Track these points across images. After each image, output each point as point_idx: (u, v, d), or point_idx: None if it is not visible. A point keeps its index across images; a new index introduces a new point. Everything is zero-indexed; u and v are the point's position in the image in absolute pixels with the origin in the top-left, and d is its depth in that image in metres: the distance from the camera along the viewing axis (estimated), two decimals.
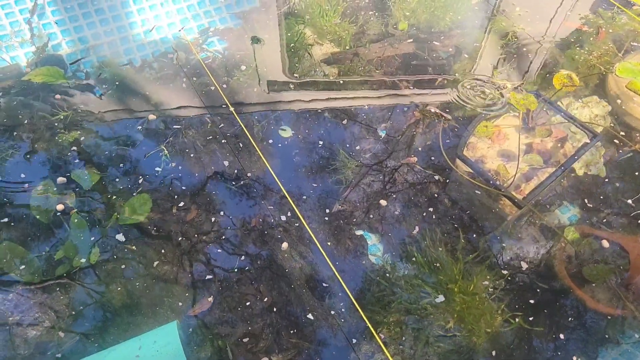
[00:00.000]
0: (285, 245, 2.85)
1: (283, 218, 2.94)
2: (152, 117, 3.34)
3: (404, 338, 2.52)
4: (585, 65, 3.39)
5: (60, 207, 2.94)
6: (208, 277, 2.79)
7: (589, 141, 2.95)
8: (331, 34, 3.71)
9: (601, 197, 2.93)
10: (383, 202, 2.99)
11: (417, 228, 2.88)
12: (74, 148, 3.28)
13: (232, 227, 3.01)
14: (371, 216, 2.99)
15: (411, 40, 3.65)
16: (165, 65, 3.65)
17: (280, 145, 3.27)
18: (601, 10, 3.74)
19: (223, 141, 3.23)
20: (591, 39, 3.59)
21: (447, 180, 3.02)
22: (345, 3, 3.88)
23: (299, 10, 3.90)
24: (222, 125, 3.33)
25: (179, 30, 3.74)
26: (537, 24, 3.75)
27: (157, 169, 3.14)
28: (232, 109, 3.27)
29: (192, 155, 3.21)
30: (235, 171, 3.16)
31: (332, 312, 2.61)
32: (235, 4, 4.01)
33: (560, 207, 2.95)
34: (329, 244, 2.88)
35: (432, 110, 3.12)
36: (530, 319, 2.55)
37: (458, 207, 2.95)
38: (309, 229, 2.83)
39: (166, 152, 3.17)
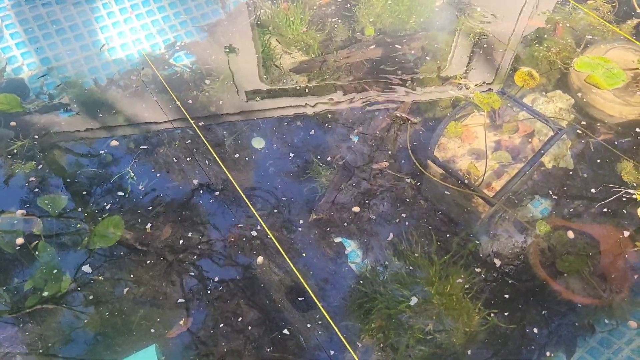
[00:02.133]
0: (260, 259, 2.83)
1: (254, 233, 2.93)
2: (114, 143, 3.28)
3: (386, 344, 2.53)
4: (545, 61, 3.46)
5: (20, 241, 2.85)
6: (185, 296, 2.76)
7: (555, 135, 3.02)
8: (299, 42, 3.71)
9: (570, 189, 2.99)
10: (358, 209, 2.99)
11: (391, 233, 2.89)
12: (39, 174, 3.21)
13: (207, 244, 2.97)
14: (348, 223, 2.99)
15: (378, 44, 3.68)
16: (130, 83, 3.59)
17: (253, 156, 3.25)
18: (558, 6, 3.84)
19: (188, 159, 3.20)
20: (546, 35, 3.66)
21: (419, 183, 3.05)
22: (312, 11, 3.89)
23: (265, 20, 3.89)
24: (189, 141, 3.29)
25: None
26: (500, 24, 3.81)
27: (125, 190, 3.09)
28: (193, 124, 3.23)
29: (159, 174, 3.16)
30: (205, 188, 3.13)
31: (309, 325, 2.61)
32: (201, 17, 3.98)
33: (532, 201, 3.01)
34: (304, 254, 2.88)
35: (398, 114, 3.15)
36: (508, 314, 2.59)
37: (431, 208, 2.97)
38: (276, 243, 2.81)
39: (132, 174, 3.12)
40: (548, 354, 2.49)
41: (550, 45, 3.54)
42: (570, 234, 2.74)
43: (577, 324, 2.58)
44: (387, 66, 3.61)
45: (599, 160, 3.06)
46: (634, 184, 2.81)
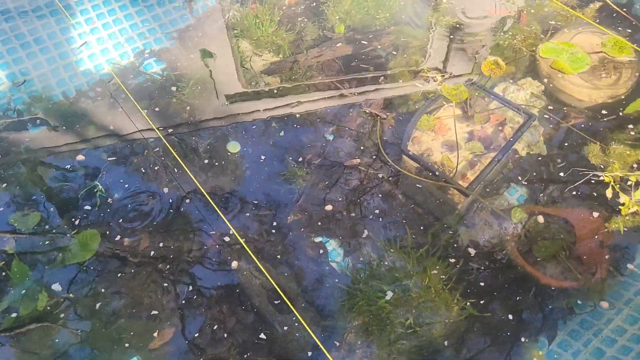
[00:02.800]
0: (235, 263, 2.80)
1: (227, 239, 2.90)
2: (80, 157, 3.23)
3: (369, 340, 2.53)
4: (511, 50, 3.49)
5: None
6: (166, 307, 2.73)
7: (525, 122, 3.04)
8: (269, 43, 3.69)
9: (544, 175, 3.02)
10: (332, 207, 2.99)
11: (368, 230, 2.89)
12: (9, 191, 3.15)
13: (184, 253, 2.93)
14: (327, 222, 2.99)
15: (349, 41, 3.68)
16: (100, 95, 3.54)
17: (229, 161, 3.23)
18: None
19: (156, 167, 3.16)
20: (511, 24, 3.68)
21: (391, 178, 3.05)
22: (281, 11, 3.87)
23: (234, 23, 3.86)
24: (158, 149, 3.25)
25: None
26: (467, 15, 3.84)
27: (97, 203, 3.04)
28: (158, 132, 3.21)
29: (130, 185, 3.12)
30: (177, 196, 3.08)
31: (285, 328, 2.61)
32: (170, 23, 3.93)
33: (507, 189, 3.03)
34: (278, 256, 2.87)
35: (368, 111, 3.15)
36: (486, 303, 2.60)
37: (406, 202, 2.98)
38: (247, 248, 2.80)
39: (100, 187, 3.08)
40: (529, 339, 2.52)
41: (516, 33, 3.57)
42: (544, 219, 2.77)
43: (556, 307, 2.61)
44: (359, 63, 3.61)
45: (566, 144, 3.08)
46: (601, 166, 2.86)
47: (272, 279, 2.75)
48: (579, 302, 2.60)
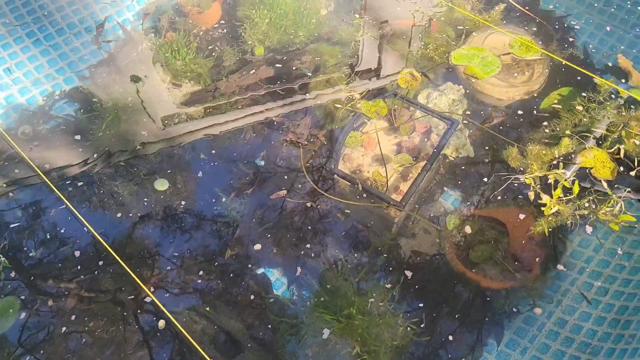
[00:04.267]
0: (162, 322, 2.64)
1: (147, 301, 2.73)
2: None
3: None
4: (426, 59, 3.54)
5: None
6: None
7: (448, 129, 3.08)
8: (187, 72, 3.55)
9: (473, 177, 3.06)
10: (274, 237, 2.88)
11: (308, 258, 2.81)
12: None
13: (118, 308, 2.74)
14: (267, 253, 2.90)
15: (269, 63, 3.60)
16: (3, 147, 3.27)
17: (156, 200, 3.06)
18: (431, 3, 3.91)
19: (69, 218, 2.94)
20: (422, 33, 3.73)
21: (319, 206, 2.97)
22: (197, 38, 3.75)
23: (148, 55, 3.69)
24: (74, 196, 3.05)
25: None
26: (381, 28, 3.83)
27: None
28: (49, 182, 3.02)
29: (43, 246, 2.89)
30: (93, 256, 2.86)
31: None
32: (79, 61, 3.70)
33: (442, 194, 3.06)
34: (219, 296, 2.71)
35: (288, 139, 3.09)
36: (432, 315, 2.59)
37: (342, 225, 2.92)
38: (157, 301, 2.66)
39: (3, 259, 2.82)
40: (478, 344, 2.54)
41: (428, 42, 3.62)
42: (477, 223, 2.80)
43: (500, 308, 2.64)
44: (282, 84, 3.54)
45: (487, 148, 3.14)
46: (521, 169, 2.92)
47: (214, 322, 2.63)
48: (521, 299, 2.66)
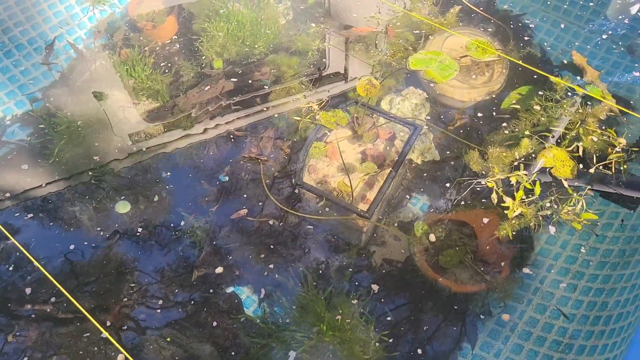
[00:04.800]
0: (121, 357, 2.54)
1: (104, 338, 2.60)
2: None
3: None
4: (384, 65, 3.51)
5: None
6: None
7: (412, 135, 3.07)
8: (145, 90, 3.45)
9: (439, 181, 3.05)
10: (242, 255, 2.80)
11: (277, 274, 2.74)
12: None
13: (71, 345, 2.59)
14: (235, 271, 2.82)
15: (229, 76, 3.53)
16: None
17: (117, 223, 2.95)
18: (386, 9, 3.89)
19: (19, 254, 2.84)
20: (379, 41, 3.71)
21: (281, 224, 2.90)
22: (154, 54, 3.65)
23: (103, 73, 3.56)
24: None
25: None
26: (339, 35, 3.80)
27: None
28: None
29: None
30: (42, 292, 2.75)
31: None
32: (31, 83, 3.55)
33: (410, 200, 3.04)
34: (188, 319, 2.63)
35: (247, 155, 3.03)
36: (405, 325, 2.56)
37: (305, 241, 2.87)
38: (116, 345, 2.56)
39: None
40: (454, 348, 2.53)
41: (385, 48, 3.60)
42: (445, 227, 2.79)
43: (473, 311, 2.63)
44: (242, 96, 3.46)
45: (448, 153, 3.14)
46: (483, 172, 2.93)
47: (184, 347, 2.54)
48: (492, 301, 2.65)
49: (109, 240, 2.88)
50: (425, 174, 3.10)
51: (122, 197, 3.04)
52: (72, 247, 2.85)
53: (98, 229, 2.92)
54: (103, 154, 3.20)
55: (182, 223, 2.92)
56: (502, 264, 2.68)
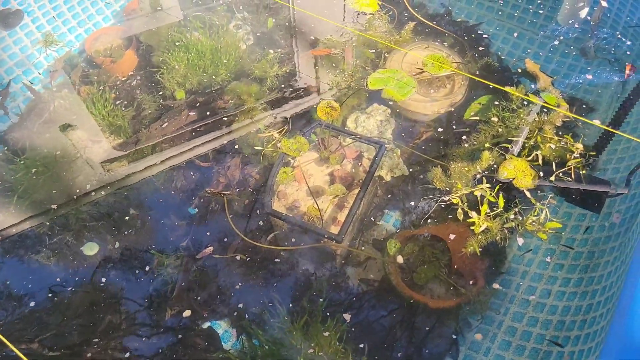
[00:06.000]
0: None
1: None
2: None
3: None
4: (345, 87, 3.52)
5: None
6: None
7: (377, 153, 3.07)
8: (107, 126, 3.39)
9: (409, 196, 3.05)
10: (217, 289, 2.75)
11: (252, 307, 2.70)
12: None
13: None
14: (209, 306, 2.75)
15: (191, 106, 3.49)
16: None
17: (85, 266, 2.86)
18: (341, 30, 3.93)
19: None
20: (335, 62, 3.73)
21: (248, 258, 2.84)
22: (115, 88, 3.60)
23: (64, 112, 3.48)
24: None
25: None
26: (296, 61, 3.81)
27: None
28: None
29: None
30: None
31: None
32: None
33: (382, 217, 3.04)
34: (164, 350, 2.57)
35: (209, 191, 2.99)
36: (386, 347, 2.53)
37: (278, 272, 2.82)
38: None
39: None
40: None
41: (344, 69, 3.62)
42: (418, 242, 2.78)
43: (453, 325, 2.63)
44: (206, 126, 3.42)
45: (411, 170, 3.14)
46: (447, 189, 2.93)
47: None
48: (471, 314, 2.65)
49: (77, 285, 2.80)
50: (395, 190, 3.10)
51: (90, 239, 2.97)
52: (37, 293, 2.75)
53: (65, 273, 2.83)
54: (66, 196, 3.12)
55: (153, 260, 2.85)
56: (477, 275, 2.68)
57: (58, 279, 2.80)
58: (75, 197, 3.10)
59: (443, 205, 2.82)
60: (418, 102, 3.43)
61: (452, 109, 3.40)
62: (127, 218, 3.03)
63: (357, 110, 3.41)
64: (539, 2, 4.05)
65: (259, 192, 3.08)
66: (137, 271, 2.85)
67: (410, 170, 3.13)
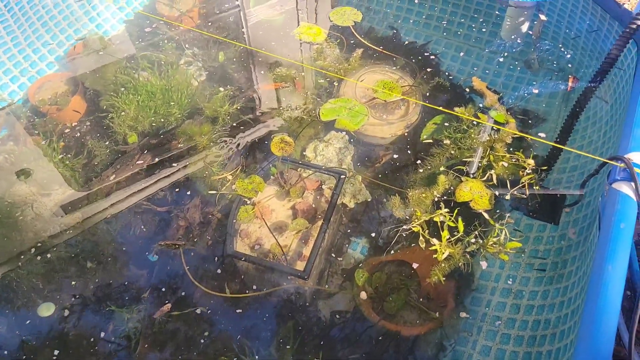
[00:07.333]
0: None
1: None
2: None
3: None
4: (296, 121, 3.49)
5: None
6: None
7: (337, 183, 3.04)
8: (56, 177, 3.25)
9: (373, 222, 3.03)
10: (185, 342, 2.61)
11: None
12: None
13: None
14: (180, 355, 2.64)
15: (145, 149, 3.39)
16: None
17: (42, 329, 2.69)
18: (290, 62, 3.94)
19: None
20: (288, 96, 3.72)
21: (209, 311, 2.73)
22: (63, 137, 3.46)
23: (5, 169, 3.31)
24: None
25: None
26: (249, 98, 3.74)
27: None
28: None
29: None
30: None
31: None
32: None
33: (350, 245, 3.00)
34: None
35: (163, 243, 2.90)
36: None
37: (243, 321, 2.73)
38: None
39: None
40: None
41: (296, 102, 3.59)
42: (385, 270, 2.73)
43: (427, 351, 2.60)
44: (161, 169, 3.31)
45: (387, 183, 3.13)
46: (407, 217, 2.92)
47: None
48: (444, 336, 2.63)
49: (33, 353, 2.62)
50: (360, 216, 3.08)
51: (44, 299, 2.81)
52: None
53: (16, 340, 2.65)
54: (16, 255, 2.95)
55: (114, 316, 2.70)
56: (447, 297, 2.67)
57: (9, 346, 2.63)
58: (24, 255, 2.93)
59: (405, 234, 2.81)
60: (374, 126, 3.44)
61: (408, 131, 3.43)
62: (84, 271, 2.86)
63: (315, 139, 3.39)
64: (481, 20, 4.18)
65: (221, 233, 3.00)
66: (96, 329, 2.68)
67: (373, 195, 3.13)
